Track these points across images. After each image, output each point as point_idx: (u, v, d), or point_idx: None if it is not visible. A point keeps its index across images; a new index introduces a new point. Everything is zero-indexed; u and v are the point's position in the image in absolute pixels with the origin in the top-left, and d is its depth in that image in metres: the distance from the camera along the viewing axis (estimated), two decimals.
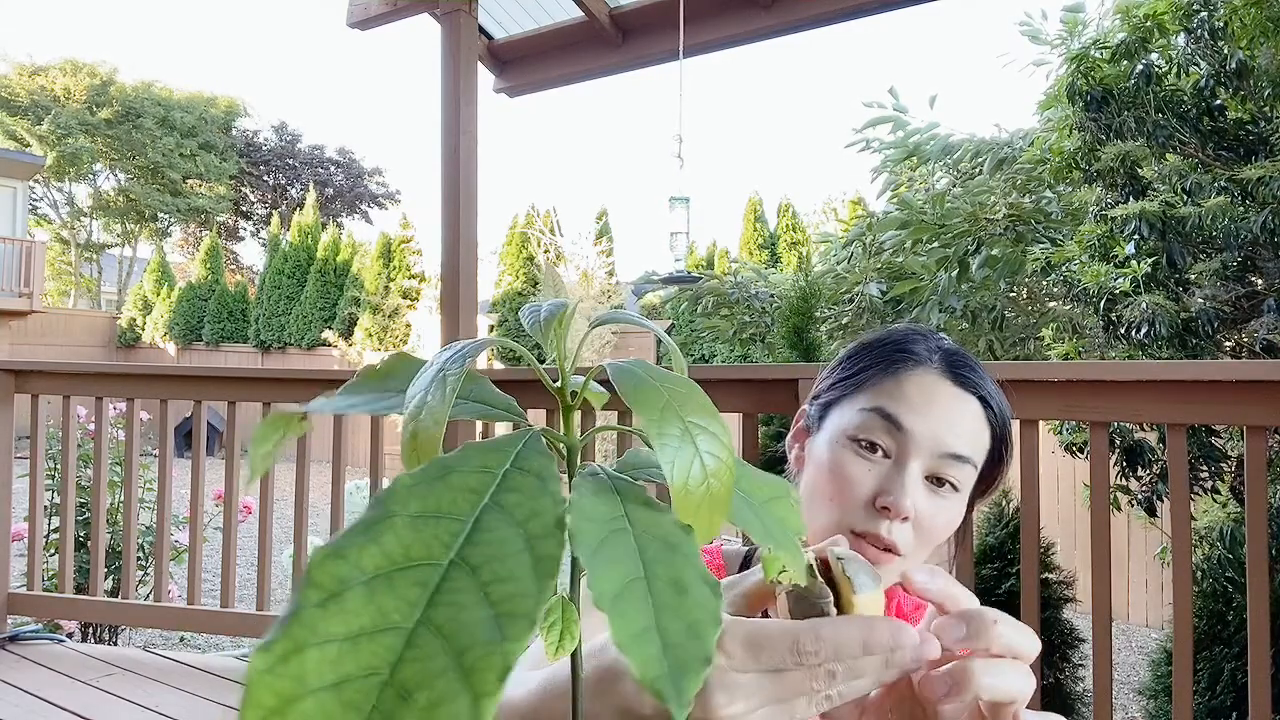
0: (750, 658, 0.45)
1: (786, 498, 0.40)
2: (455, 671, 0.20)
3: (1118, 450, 3.28)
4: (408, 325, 14.28)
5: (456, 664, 0.20)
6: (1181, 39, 3.55)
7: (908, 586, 0.50)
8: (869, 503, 0.73)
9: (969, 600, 0.51)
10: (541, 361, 0.42)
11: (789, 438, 0.87)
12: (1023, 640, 0.49)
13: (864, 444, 0.75)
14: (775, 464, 2.35)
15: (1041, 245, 4.35)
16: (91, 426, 3.18)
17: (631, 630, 0.25)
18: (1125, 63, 3.61)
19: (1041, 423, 2.01)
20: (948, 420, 0.75)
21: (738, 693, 0.45)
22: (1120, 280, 3.29)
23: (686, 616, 0.26)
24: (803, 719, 0.45)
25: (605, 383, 0.37)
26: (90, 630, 3.67)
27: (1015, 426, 1.85)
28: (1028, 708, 0.49)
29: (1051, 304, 4.81)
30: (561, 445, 0.37)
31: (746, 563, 0.86)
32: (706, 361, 11.39)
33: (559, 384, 0.38)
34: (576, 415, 0.38)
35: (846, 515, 0.74)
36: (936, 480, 0.75)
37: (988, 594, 3.03)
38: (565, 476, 0.35)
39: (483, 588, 0.23)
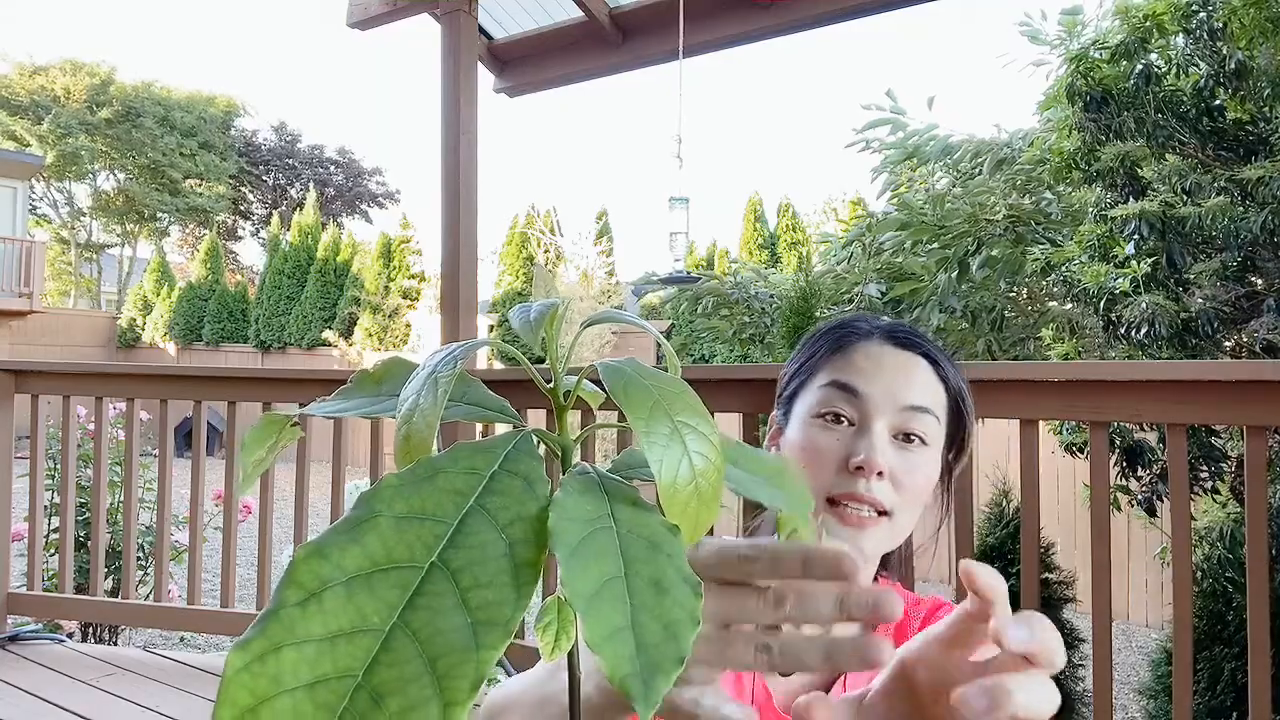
0: (692, 556, 0.42)
1: (789, 470, 0.41)
2: (428, 677, 0.20)
3: (1118, 450, 3.27)
4: (408, 325, 14.28)
5: (429, 670, 0.20)
6: (1181, 39, 3.55)
7: (1001, 639, 0.44)
8: (841, 466, 0.76)
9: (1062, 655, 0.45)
10: (540, 362, 0.42)
11: (765, 443, 0.91)
12: (1060, 650, 0.45)
13: (828, 417, 0.79)
14: None
15: (1041, 246, 4.35)
16: (91, 426, 3.18)
17: (605, 630, 0.24)
18: (1125, 63, 3.61)
19: (1041, 423, 2.01)
20: (899, 377, 0.80)
21: None
22: (1120, 280, 3.29)
23: (664, 616, 0.26)
24: (744, 663, 0.42)
25: (599, 382, 0.37)
26: (90, 630, 3.67)
27: (1015, 426, 1.85)
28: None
29: (1051, 304, 4.80)
30: (557, 446, 0.37)
31: None
32: (706, 361, 11.39)
33: (552, 384, 0.38)
34: (575, 415, 0.38)
35: (823, 485, 0.76)
36: (904, 437, 0.78)
37: None
38: (561, 477, 0.35)
39: (461, 593, 0.23)
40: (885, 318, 0.89)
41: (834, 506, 0.76)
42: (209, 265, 16.73)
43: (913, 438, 0.78)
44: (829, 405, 0.79)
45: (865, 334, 0.84)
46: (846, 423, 0.79)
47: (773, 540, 0.43)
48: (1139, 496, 3.37)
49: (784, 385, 0.89)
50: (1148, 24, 3.53)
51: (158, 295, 17.24)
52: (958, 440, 0.85)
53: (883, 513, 0.76)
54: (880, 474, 0.75)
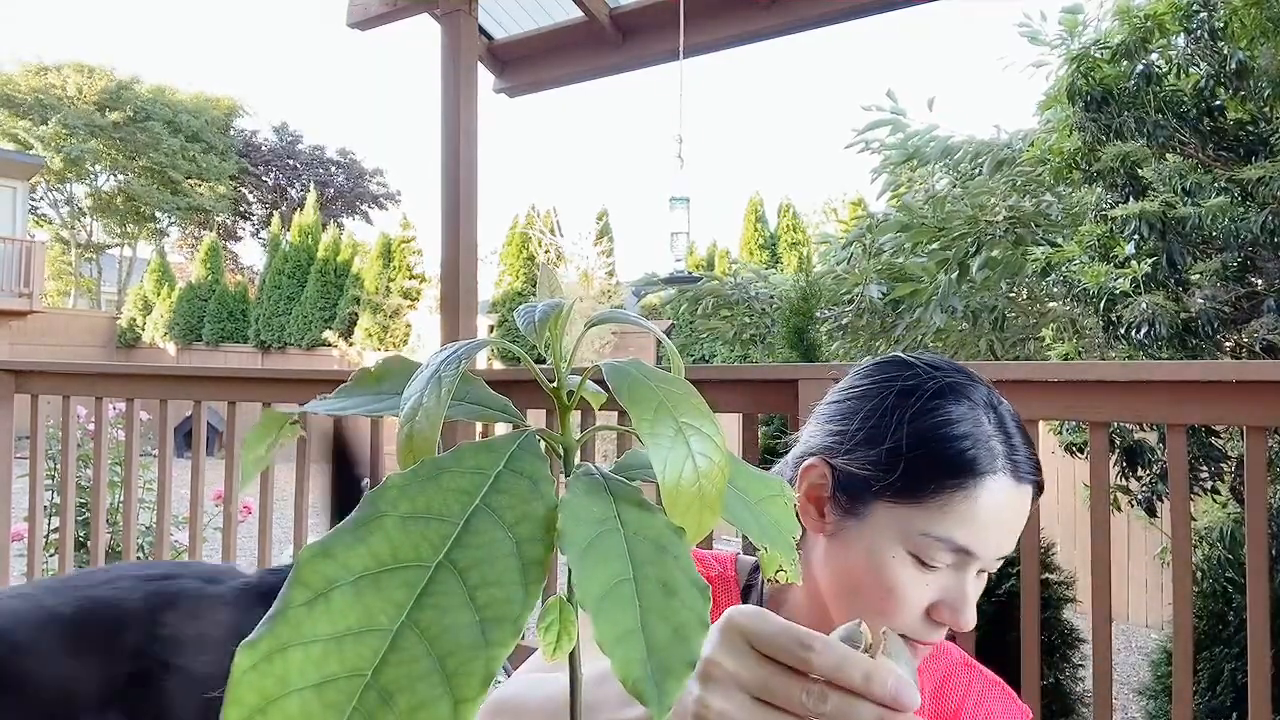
0: (756, 626, 0.44)
1: (782, 496, 0.40)
2: (437, 675, 0.20)
3: (1118, 450, 3.27)
4: (408, 325, 14.28)
5: (439, 668, 0.20)
6: (1181, 39, 3.55)
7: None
8: (925, 614, 0.69)
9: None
10: (541, 362, 0.42)
11: (800, 496, 0.76)
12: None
13: (925, 563, 0.68)
14: (774, 464, 2.35)
15: (1041, 247, 4.35)
16: (91, 426, 3.18)
17: (616, 632, 0.24)
18: (1125, 63, 3.61)
19: (1041, 423, 2.01)
20: (1012, 528, 0.70)
21: (717, 687, 0.44)
22: (1120, 280, 3.29)
23: (673, 619, 0.26)
24: None
25: (602, 383, 0.37)
26: None
27: None
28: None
29: (1051, 304, 4.81)
30: (559, 446, 0.37)
31: (755, 576, 0.84)
32: (706, 362, 11.39)
33: (555, 384, 0.38)
34: (575, 416, 0.38)
35: (898, 621, 0.69)
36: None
37: (988, 594, 3.02)
38: (562, 477, 0.35)
39: (469, 591, 0.23)
40: (1001, 401, 0.74)
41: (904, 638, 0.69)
42: (209, 265, 16.73)
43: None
44: (936, 559, 0.68)
45: (994, 473, 0.68)
46: (944, 568, 0.69)
47: (841, 644, 0.44)
48: (1139, 496, 3.37)
49: (858, 454, 0.72)
50: (1148, 24, 3.53)
51: (158, 295, 17.25)
52: None
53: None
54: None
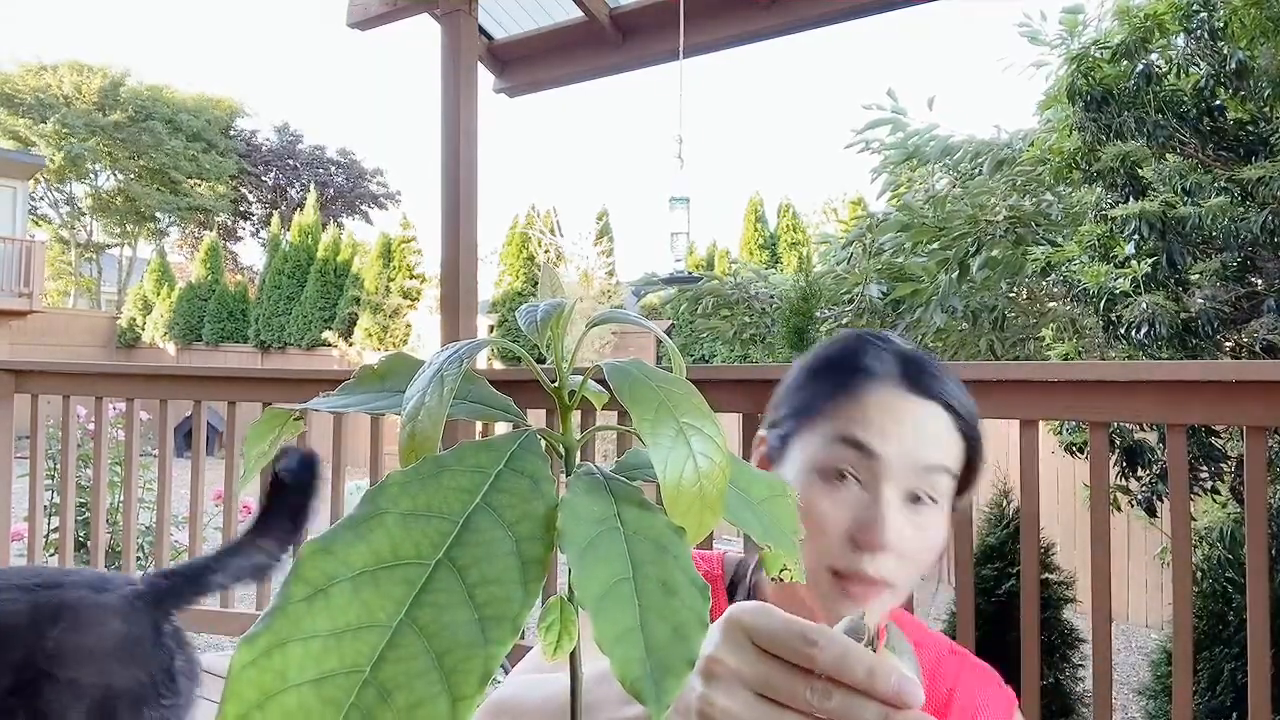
0: (758, 622, 0.44)
1: (784, 496, 0.40)
2: (436, 673, 0.20)
3: (1118, 450, 3.27)
4: (408, 325, 14.28)
5: (437, 665, 0.20)
6: (1181, 39, 3.55)
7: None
8: (846, 537, 0.69)
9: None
10: (541, 362, 0.42)
11: (753, 464, 0.81)
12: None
13: (833, 474, 0.71)
14: None
15: (1041, 247, 4.35)
16: (91, 426, 3.18)
17: (615, 631, 0.24)
18: (1125, 63, 3.61)
19: (1041, 423, 2.01)
20: (916, 434, 0.72)
21: (720, 684, 0.44)
22: (1120, 280, 3.29)
23: (673, 618, 0.26)
24: None
25: (604, 382, 0.37)
26: None
27: (1014, 426, 1.85)
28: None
29: (1052, 304, 4.81)
30: (560, 445, 0.37)
31: (742, 572, 0.85)
32: (706, 362, 11.39)
33: (556, 384, 0.38)
34: (575, 415, 0.38)
35: (825, 555, 0.70)
36: (914, 497, 0.71)
37: (988, 595, 3.03)
38: (563, 477, 0.35)
39: (469, 589, 0.23)
40: (896, 340, 0.79)
41: (837, 578, 0.70)
42: (209, 265, 16.74)
43: (922, 498, 0.71)
44: (836, 463, 0.71)
45: (879, 375, 0.74)
46: (852, 479, 0.71)
47: (844, 637, 0.44)
48: (1139, 496, 3.37)
49: (779, 412, 0.79)
50: (1148, 24, 3.53)
51: (158, 295, 17.25)
52: (966, 484, 0.78)
53: (886, 584, 0.70)
54: (886, 549, 0.69)
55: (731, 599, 0.82)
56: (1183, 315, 3.16)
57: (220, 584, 1.58)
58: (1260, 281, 3.32)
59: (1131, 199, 3.43)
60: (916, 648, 0.81)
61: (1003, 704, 0.82)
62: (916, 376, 0.74)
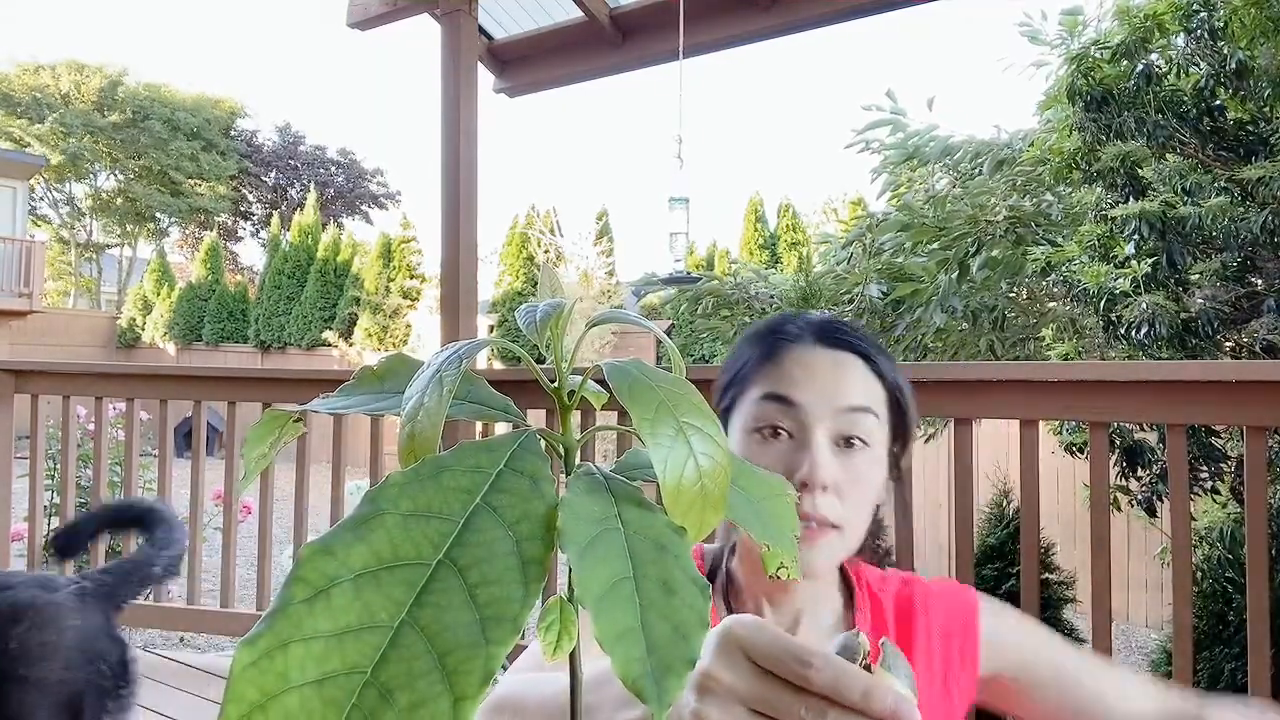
0: (753, 638, 0.44)
1: (783, 495, 0.40)
2: (437, 673, 0.20)
3: (1118, 450, 3.27)
4: (408, 325, 14.29)
5: (439, 666, 0.21)
6: (1181, 39, 3.55)
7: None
8: None
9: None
10: (541, 362, 0.42)
11: None
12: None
13: (765, 431, 0.77)
14: None
15: (1041, 247, 4.35)
16: (91, 426, 3.18)
17: (616, 630, 0.24)
18: (1125, 63, 3.61)
19: (1041, 423, 2.01)
20: (834, 380, 0.78)
21: (714, 700, 0.44)
22: (1120, 280, 3.29)
23: (674, 617, 0.26)
24: None
25: (603, 382, 0.37)
26: None
27: (1014, 426, 1.85)
28: None
29: (1052, 304, 4.81)
30: (559, 445, 0.37)
31: (717, 562, 0.86)
32: (706, 362, 11.39)
33: (556, 384, 0.38)
34: (575, 415, 0.38)
35: None
36: (844, 441, 0.76)
37: (988, 594, 3.02)
38: (563, 477, 0.35)
39: (469, 590, 0.23)
40: (815, 313, 0.86)
41: None
42: (209, 265, 16.74)
43: (854, 441, 0.76)
44: (765, 419, 0.77)
45: (795, 337, 0.81)
46: (785, 435, 0.76)
47: (839, 659, 0.44)
48: (1139, 496, 3.36)
49: (720, 397, 0.85)
50: (1148, 24, 3.53)
51: (158, 295, 17.25)
52: (901, 432, 0.82)
53: (832, 525, 0.74)
54: (824, 488, 0.73)
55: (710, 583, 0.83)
56: (1183, 315, 3.15)
57: (159, 576, 1.63)
58: (1260, 281, 3.32)
59: (1131, 199, 3.43)
60: (880, 583, 0.83)
61: (966, 613, 0.86)
62: (831, 334, 0.81)
